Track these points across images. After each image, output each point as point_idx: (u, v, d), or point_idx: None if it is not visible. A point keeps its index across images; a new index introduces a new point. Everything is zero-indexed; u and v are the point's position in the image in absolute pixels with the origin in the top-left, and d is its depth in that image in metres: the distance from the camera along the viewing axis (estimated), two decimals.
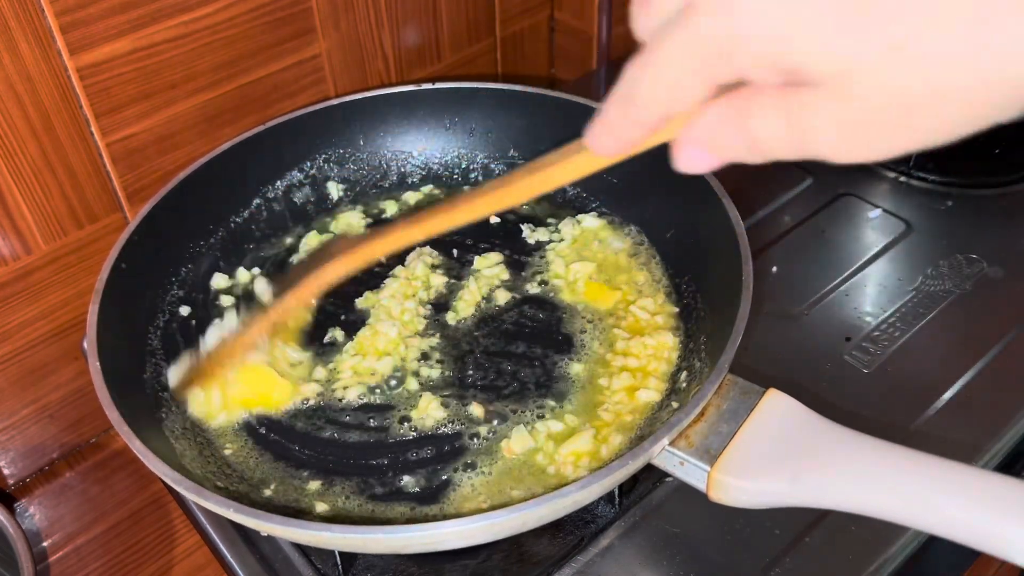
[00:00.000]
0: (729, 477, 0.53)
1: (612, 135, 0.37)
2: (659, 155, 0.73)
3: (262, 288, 0.70)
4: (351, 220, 0.82)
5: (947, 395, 0.70)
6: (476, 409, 0.66)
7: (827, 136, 0.31)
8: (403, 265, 0.77)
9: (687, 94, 0.33)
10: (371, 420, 0.66)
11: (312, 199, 0.83)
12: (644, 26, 0.34)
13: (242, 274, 0.77)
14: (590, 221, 0.80)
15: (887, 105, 0.30)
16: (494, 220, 0.82)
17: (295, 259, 0.79)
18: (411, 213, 0.81)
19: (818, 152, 0.32)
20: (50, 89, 0.68)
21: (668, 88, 0.33)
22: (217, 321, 0.70)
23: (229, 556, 0.63)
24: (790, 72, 0.30)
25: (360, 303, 0.74)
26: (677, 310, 0.72)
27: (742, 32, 0.30)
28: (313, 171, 0.83)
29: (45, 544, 0.74)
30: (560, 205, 0.83)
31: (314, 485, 0.62)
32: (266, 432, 0.66)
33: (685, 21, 0.31)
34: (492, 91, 0.84)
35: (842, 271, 0.81)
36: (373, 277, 0.76)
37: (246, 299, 0.75)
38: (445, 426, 0.65)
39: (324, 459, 0.64)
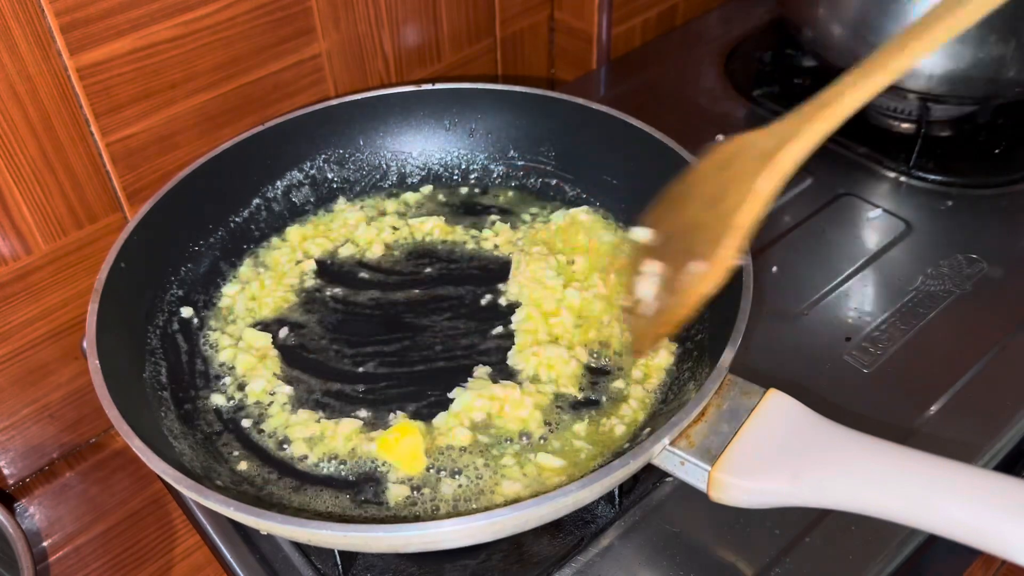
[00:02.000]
0: (730, 477, 0.53)
1: None
2: (657, 154, 0.73)
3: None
4: (350, 220, 0.82)
5: (947, 395, 0.70)
6: None
7: None
8: None
9: None
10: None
11: (312, 199, 0.83)
12: None
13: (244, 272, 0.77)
14: (583, 216, 0.80)
15: None
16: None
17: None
18: (415, 213, 0.82)
19: None
20: (50, 89, 0.68)
21: None
22: None
23: (229, 556, 0.63)
24: None
25: None
26: None
27: None
28: (313, 171, 0.83)
29: (45, 544, 0.74)
30: (552, 200, 0.83)
31: (314, 488, 0.62)
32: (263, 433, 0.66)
33: None
34: (492, 92, 0.84)
35: (842, 271, 0.81)
36: None
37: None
38: None
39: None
